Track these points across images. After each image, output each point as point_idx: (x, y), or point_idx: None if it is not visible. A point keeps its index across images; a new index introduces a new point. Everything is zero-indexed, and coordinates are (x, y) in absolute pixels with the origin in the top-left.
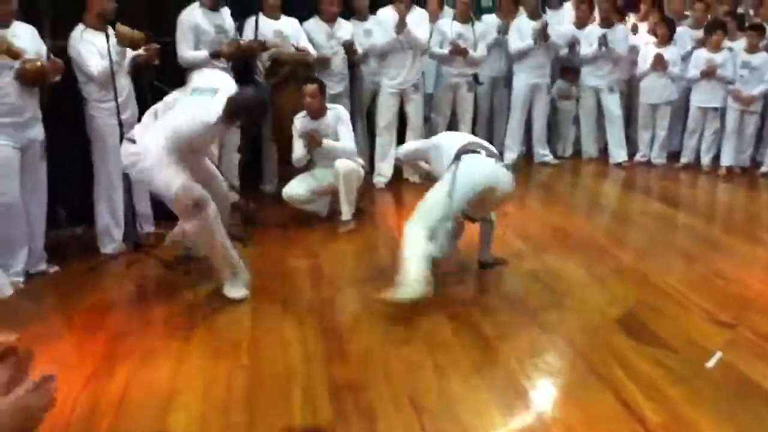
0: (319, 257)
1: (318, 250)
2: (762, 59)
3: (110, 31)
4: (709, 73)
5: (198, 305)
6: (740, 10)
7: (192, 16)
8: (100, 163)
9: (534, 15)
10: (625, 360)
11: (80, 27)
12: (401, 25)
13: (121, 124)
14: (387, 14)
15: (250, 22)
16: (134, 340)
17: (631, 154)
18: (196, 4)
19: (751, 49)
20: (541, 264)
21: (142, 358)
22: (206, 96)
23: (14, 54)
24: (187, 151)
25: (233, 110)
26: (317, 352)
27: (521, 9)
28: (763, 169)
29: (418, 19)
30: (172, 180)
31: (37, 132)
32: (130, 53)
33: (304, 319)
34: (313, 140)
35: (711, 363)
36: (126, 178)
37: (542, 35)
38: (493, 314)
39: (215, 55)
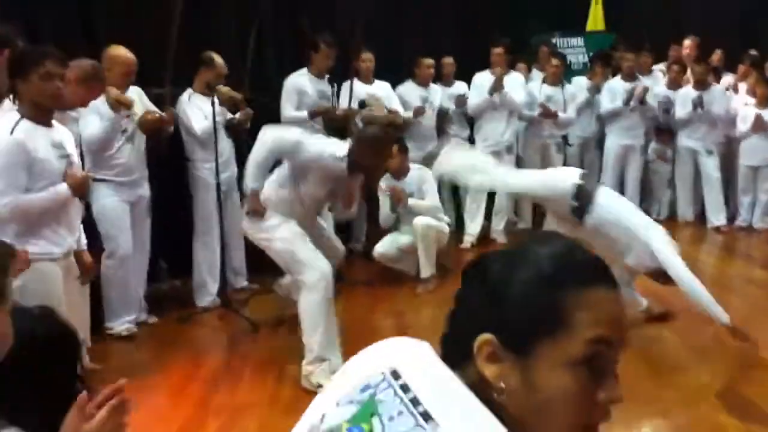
0: (405, 316)
1: (404, 309)
2: None
3: (215, 97)
4: None
5: (286, 362)
6: None
7: (298, 81)
8: (201, 221)
9: (629, 77)
10: None
11: (189, 91)
12: (498, 86)
13: (219, 183)
14: (483, 77)
15: (346, 86)
16: (225, 396)
17: (730, 218)
18: (304, 70)
19: None
20: (638, 332)
21: (232, 413)
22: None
23: (126, 102)
24: (311, 201)
25: (361, 145)
26: None
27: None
28: None
29: (514, 82)
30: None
31: (145, 189)
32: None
33: None
34: (396, 196)
35: None
36: (222, 234)
37: (639, 99)
38: None
39: (314, 115)
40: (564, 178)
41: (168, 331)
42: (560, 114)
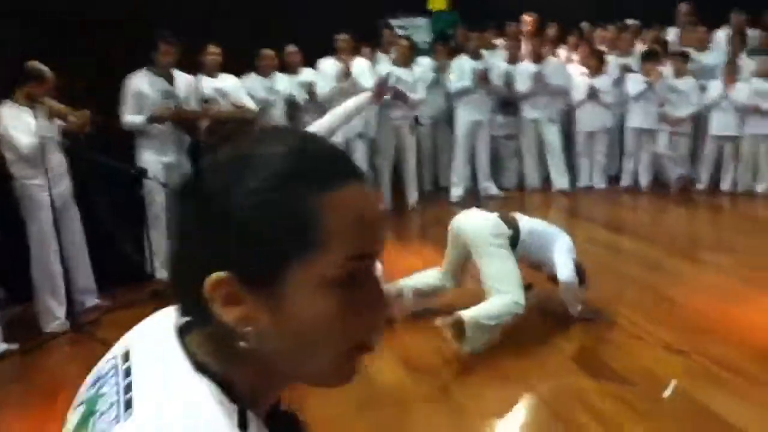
0: None
1: None
2: (689, 84)
3: (38, 108)
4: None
5: None
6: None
7: (136, 82)
8: (36, 241)
9: (475, 55)
10: (588, 401)
11: (8, 103)
12: (347, 74)
13: (53, 199)
14: (328, 65)
15: (188, 82)
16: None
17: (572, 180)
18: (144, 70)
19: (678, 74)
20: None
21: None
22: None
23: None
24: None
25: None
26: None
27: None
28: (699, 185)
29: (361, 67)
30: None
31: None
32: (58, 124)
33: None
34: None
35: (667, 393)
36: (63, 252)
37: (483, 81)
38: (454, 364)
39: (152, 120)
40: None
41: (19, 363)
42: (410, 95)
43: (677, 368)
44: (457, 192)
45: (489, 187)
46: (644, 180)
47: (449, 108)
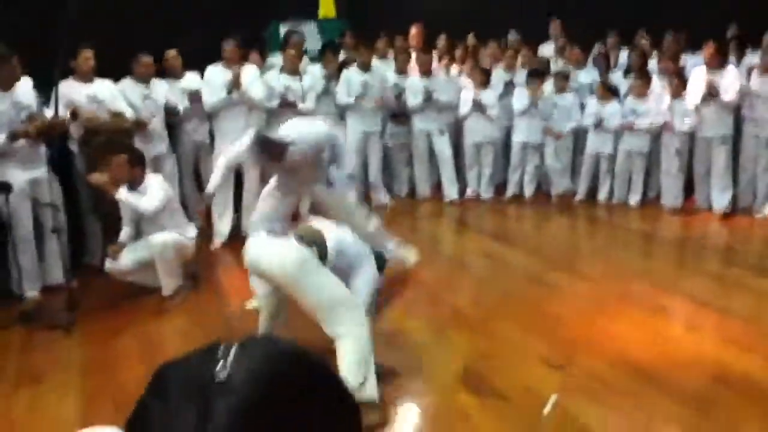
0: (151, 335)
1: (149, 328)
2: (568, 100)
3: None
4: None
5: (15, 418)
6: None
7: None
8: None
9: (364, 67)
10: (471, 420)
11: None
12: (236, 84)
13: None
14: (216, 73)
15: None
16: None
17: (462, 190)
18: None
19: (560, 91)
20: (386, 322)
21: None
22: None
23: None
24: None
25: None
26: None
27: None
28: (578, 197)
29: (250, 76)
30: None
31: None
32: None
33: None
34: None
35: (547, 409)
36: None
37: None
38: None
39: (13, 137)
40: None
41: None
42: (299, 104)
43: (556, 383)
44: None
45: (380, 197)
46: (528, 191)
47: (341, 117)
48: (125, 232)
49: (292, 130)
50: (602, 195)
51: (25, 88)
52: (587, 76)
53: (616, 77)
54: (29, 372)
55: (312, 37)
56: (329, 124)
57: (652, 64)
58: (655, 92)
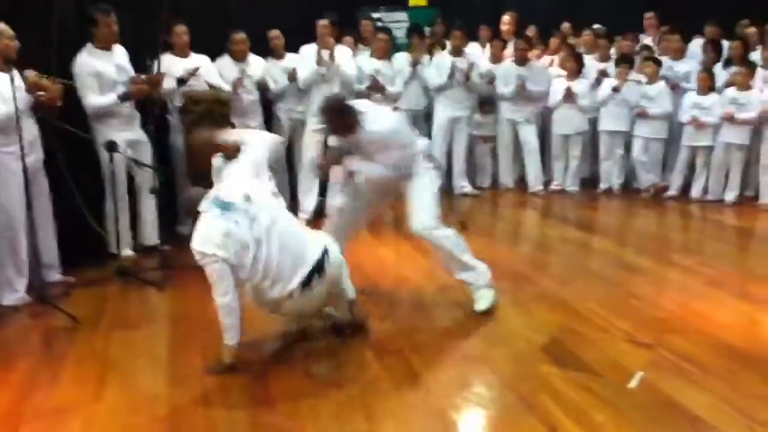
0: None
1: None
2: (658, 89)
3: (15, 73)
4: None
5: (109, 359)
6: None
7: (88, 62)
8: (3, 211)
9: (455, 52)
10: (552, 387)
11: None
12: (330, 59)
13: (26, 169)
14: (311, 51)
15: (160, 60)
16: (42, 398)
17: (546, 182)
18: (89, 47)
19: (649, 79)
20: (465, 295)
21: (50, 417)
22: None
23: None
24: None
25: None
26: (241, 399)
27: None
28: (670, 192)
29: (343, 56)
30: None
31: None
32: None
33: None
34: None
35: (633, 384)
36: (31, 224)
37: (465, 76)
38: (422, 348)
39: (125, 97)
40: None
41: None
42: (388, 87)
43: (642, 360)
44: None
45: (463, 185)
46: (616, 183)
47: (429, 104)
48: None
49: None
50: (696, 191)
51: (122, 51)
52: (684, 66)
53: (715, 69)
54: (124, 320)
55: (403, 24)
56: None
57: (755, 55)
58: (758, 84)
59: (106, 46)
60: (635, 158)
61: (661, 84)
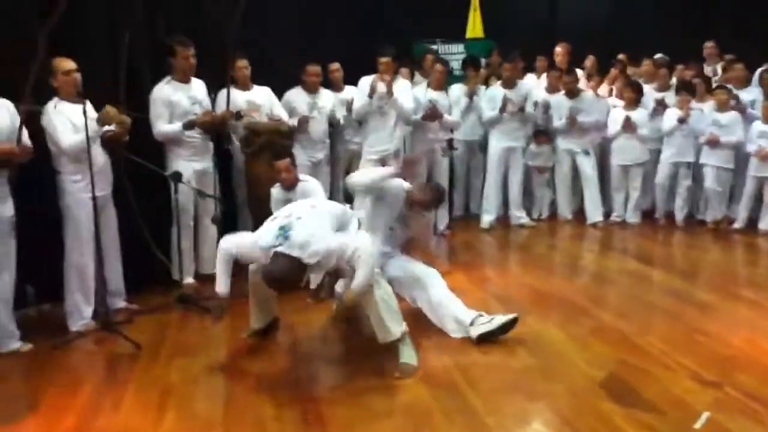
0: (294, 329)
1: (293, 321)
2: (730, 117)
3: (87, 104)
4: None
5: (170, 384)
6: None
7: (164, 91)
8: (73, 239)
9: (507, 84)
10: (612, 425)
11: (55, 99)
12: (388, 94)
13: (95, 198)
14: (369, 83)
15: (222, 94)
16: (104, 423)
17: (606, 214)
18: (167, 79)
19: (721, 108)
20: (522, 327)
21: None
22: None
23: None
24: None
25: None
26: (296, 428)
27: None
28: (736, 225)
29: (401, 88)
30: None
31: (7, 208)
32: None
33: (280, 394)
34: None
35: (699, 424)
36: (99, 252)
37: (519, 108)
38: (477, 382)
39: (189, 126)
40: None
41: (38, 360)
42: (446, 116)
43: (708, 399)
44: (487, 219)
45: (520, 216)
46: (680, 215)
47: (485, 135)
48: None
49: None
50: (764, 223)
51: (199, 85)
52: (748, 94)
53: None
54: (184, 347)
55: (459, 56)
56: None
57: None
58: None
59: (184, 78)
60: (709, 188)
61: (733, 112)
